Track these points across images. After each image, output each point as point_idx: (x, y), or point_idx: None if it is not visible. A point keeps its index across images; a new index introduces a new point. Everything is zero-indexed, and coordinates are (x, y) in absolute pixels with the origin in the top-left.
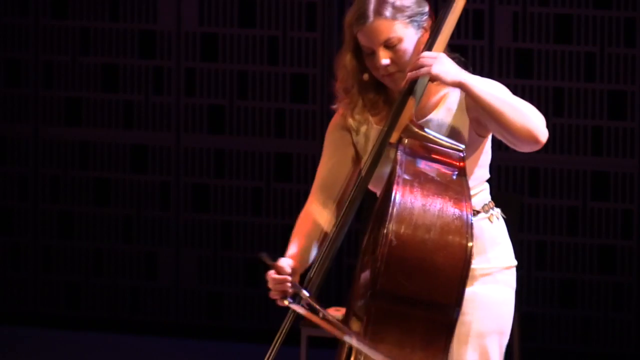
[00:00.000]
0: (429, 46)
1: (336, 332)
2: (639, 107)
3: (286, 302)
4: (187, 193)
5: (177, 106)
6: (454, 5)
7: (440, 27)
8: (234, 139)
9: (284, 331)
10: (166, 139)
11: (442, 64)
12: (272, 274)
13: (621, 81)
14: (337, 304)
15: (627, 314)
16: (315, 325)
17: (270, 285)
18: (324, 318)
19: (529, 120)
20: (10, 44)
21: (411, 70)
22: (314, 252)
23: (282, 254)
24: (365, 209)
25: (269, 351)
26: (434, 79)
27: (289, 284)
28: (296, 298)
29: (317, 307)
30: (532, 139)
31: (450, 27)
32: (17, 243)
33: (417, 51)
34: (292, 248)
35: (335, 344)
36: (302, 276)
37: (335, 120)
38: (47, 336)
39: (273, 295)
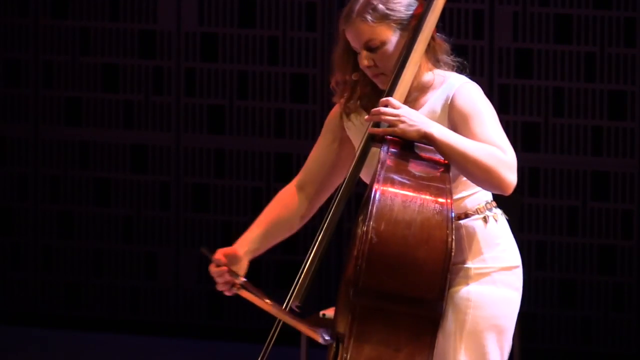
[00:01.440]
0: (408, 48)
1: (273, 312)
2: (639, 107)
3: (234, 290)
4: (187, 193)
5: (177, 106)
6: (434, 4)
7: (421, 27)
8: (234, 139)
9: (276, 331)
10: (166, 139)
11: (405, 122)
12: (212, 267)
13: (621, 81)
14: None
15: (627, 314)
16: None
17: (213, 278)
18: (263, 300)
19: (492, 174)
20: (10, 44)
21: (369, 120)
22: (272, 239)
23: (282, 253)
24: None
25: (262, 351)
26: (397, 135)
27: (228, 273)
28: (240, 287)
29: (254, 290)
30: (495, 189)
31: (431, 26)
32: (17, 243)
33: (397, 52)
34: (250, 231)
35: None
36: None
37: (333, 111)
38: (47, 336)
39: (218, 287)
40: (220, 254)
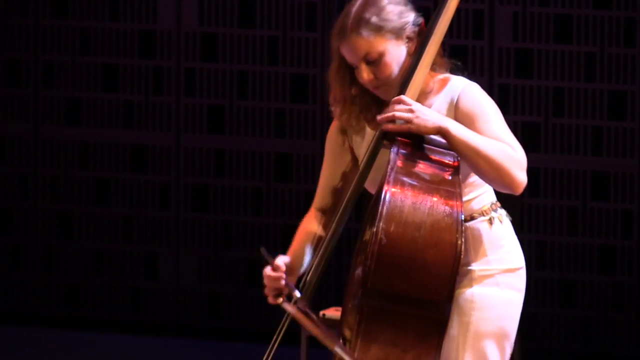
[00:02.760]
0: (419, 52)
1: (323, 339)
2: (639, 107)
3: (279, 301)
4: (187, 193)
5: (177, 106)
6: (446, 7)
7: (432, 31)
8: (234, 139)
9: (281, 332)
10: (166, 139)
11: (418, 116)
12: (268, 270)
13: (621, 81)
14: (337, 304)
15: (627, 314)
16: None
17: (265, 281)
18: (313, 322)
19: (503, 172)
20: (10, 44)
21: (383, 120)
22: (307, 259)
23: (282, 253)
24: (363, 209)
25: (267, 351)
26: (413, 131)
27: (284, 282)
28: (289, 298)
29: (308, 310)
30: (506, 188)
31: (443, 30)
32: (17, 243)
33: (404, 63)
34: (293, 251)
35: None
36: (298, 281)
37: (333, 125)
38: (47, 336)
39: (267, 292)
40: (281, 261)
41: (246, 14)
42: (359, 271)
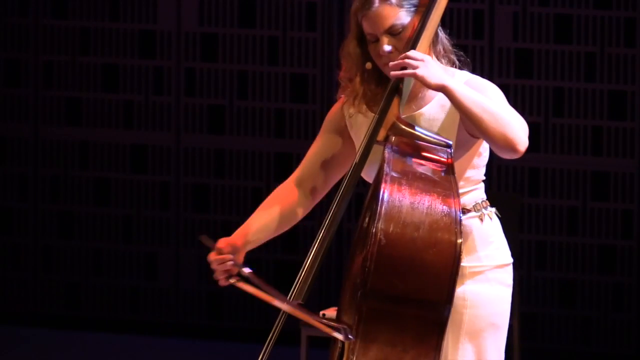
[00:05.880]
0: (413, 42)
1: (279, 305)
2: (639, 107)
3: (232, 280)
4: (187, 193)
5: (177, 106)
6: (437, 4)
7: (425, 23)
8: (234, 139)
9: (276, 331)
10: (166, 139)
11: (426, 67)
12: (212, 255)
13: (621, 81)
14: (337, 304)
15: (627, 314)
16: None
17: (212, 266)
18: (267, 292)
19: (508, 129)
20: (10, 44)
21: (394, 68)
22: (270, 233)
23: (282, 253)
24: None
25: (262, 351)
26: (418, 80)
27: (230, 262)
28: (241, 277)
29: (258, 282)
30: (510, 147)
31: (435, 23)
32: (17, 243)
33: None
34: (248, 224)
35: None
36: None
37: (334, 107)
38: (47, 336)
39: (216, 276)
40: (222, 243)
41: (246, 14)
42: (357, 272)
